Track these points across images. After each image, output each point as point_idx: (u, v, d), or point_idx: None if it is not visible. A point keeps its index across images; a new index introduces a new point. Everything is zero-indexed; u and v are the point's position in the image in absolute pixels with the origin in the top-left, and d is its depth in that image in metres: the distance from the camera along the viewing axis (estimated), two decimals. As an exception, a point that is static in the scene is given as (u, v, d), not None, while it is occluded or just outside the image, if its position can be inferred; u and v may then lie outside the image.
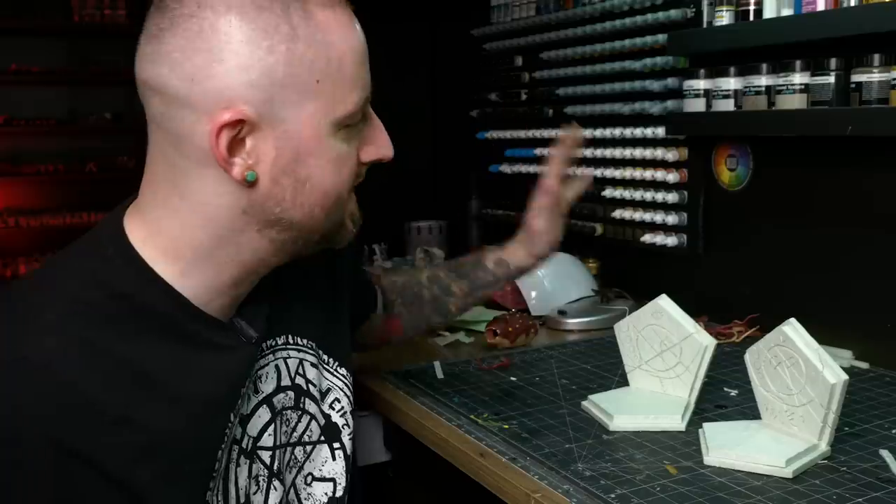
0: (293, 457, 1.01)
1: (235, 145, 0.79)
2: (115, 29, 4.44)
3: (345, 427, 1.06)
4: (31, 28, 4.36)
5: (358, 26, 0.84)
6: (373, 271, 1.46)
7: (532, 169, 2.28)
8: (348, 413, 1.07)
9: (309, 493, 1.02)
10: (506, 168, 2.37)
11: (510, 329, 1.62)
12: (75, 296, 0.80)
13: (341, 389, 1.07)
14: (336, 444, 1.05)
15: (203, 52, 0.76)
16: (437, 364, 1.46)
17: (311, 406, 1.02)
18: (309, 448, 1.02)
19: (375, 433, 1.46)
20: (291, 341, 1.02)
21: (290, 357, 1.01)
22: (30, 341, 0.76)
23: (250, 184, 0.80)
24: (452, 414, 1.27)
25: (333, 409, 1.06)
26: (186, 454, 0.82)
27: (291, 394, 1.00)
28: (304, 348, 1.03)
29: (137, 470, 0.77)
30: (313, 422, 1.03)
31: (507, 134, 2.37)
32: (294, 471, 1.01)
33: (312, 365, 1.03)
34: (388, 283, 1.34)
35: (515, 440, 1.16)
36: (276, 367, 0.98)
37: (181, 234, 0.83)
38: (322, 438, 1.04)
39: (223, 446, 0.87)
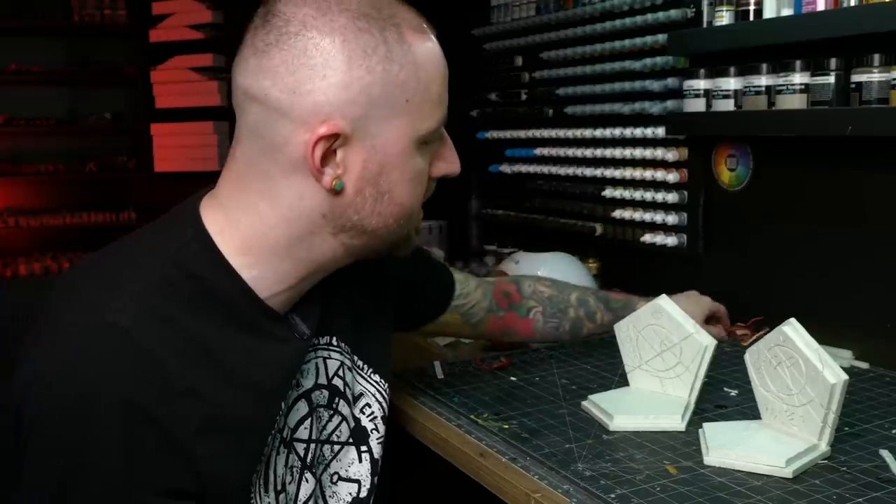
0: (321, 454, 1.04)
1: (327, 156, 0.85)
2: (115, 29, 4.44)
3: (374, 432, 1.09)
4: (31, 28, 4.36)
5: (441, 50, 0.92)
6: (497, 271, 1.56)
7: (532, 169, 2.28)
8: (379, 419, 1.11)
9: (334, 492, 1.05)
10: (506, 168, 2.37)
11: (510, 329, 1.61)
12: (156, 272, 0.85)
13: (373, 395, 1.10)
14: (363, 448, 1.08)
15: (307, 69, 0.82)
16: (437, 364, 1.46)
17: (344, 408, 1.06)
18: (337, 448, 1.06)
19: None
20: (335, 343, 1.06)
21: (330, 357, 1.05)
22: (116, 309, 0.80)
23: (336, 193, 0.86)
24: (452, 414, 1.27)
25: (364, 413, 1.09)
26: (242, 434, 0.86)
27: (326, 392, 1.03)
28: (343, 351, 1.07)
29: (197, 441, 0.81)
30: (344, 423, 1.06)
31: (507, 134, 2.37)
32: (321, 468, 1.04)
33: (349, 369, 1.07)
34: (532, 290, 1.43)
35: (515, 440, 1.16)
36: (316, 365, 1.03)
37: (259, 232, 0.88)
38: (350, 440, 1.07)
39: (273, 432, 0.91)
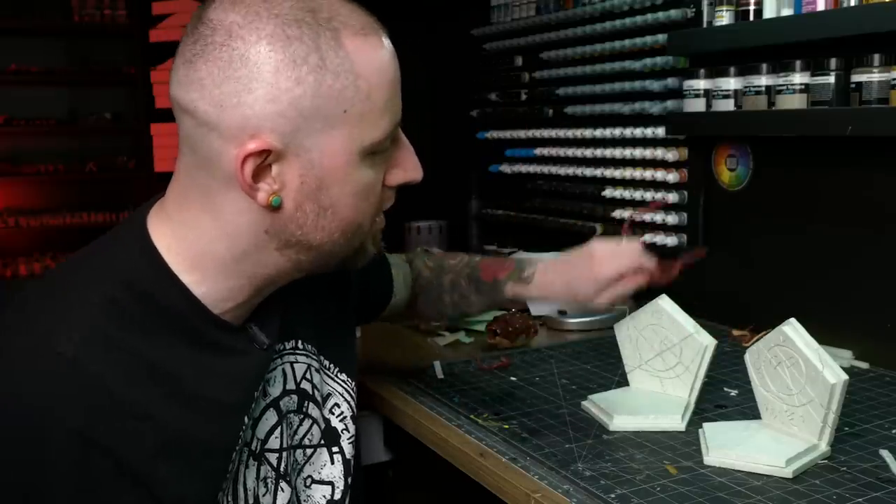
0: (294, 459, 1.01)
1: (261, 172, 0.80)
2: (115, 29, 4.44)
3: (344, 432, 1.07)
4: (31, 28, 4.36)
5: (390, 52, 0.86)
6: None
7: (532, 169, 2.27)
8: (348, 418, 1.08)
9: (308, 496, 1.03)
10: (506, 168, 2.37)
11: (510, 329, 1.62)
12: (103, 293, 0.81)
13: (341, 395, 1.08)
14: (335, 449, 1.06)
15: (232, 81, 0.77)
16: (437, 364, 1.46)
17: (314, 410, 1.04)
18: (310, 451, 1.03)
19: (375, 433, 1.46)
20: (300, 347, 1.03)
21: (297, 362, 1.02)
22: (59, 334, 0.77)
23: (274, 208, 0.82)
24: (452, 414, 1.27)
25: (333, 413, 1.07)
26: (202, 454, 0.83)
27: (295, 397, 1.01)
28: (310, 354, 1.04)
29: (156, 465, 0.78)
30: (315, 426, 1.04)
31: (507, 134, 2.37)
32: (295, 473, 1.02)
33: (316, 370, 1.05)
34: (416, 273, 1.38)
35: (515, 440, 1.16)
36: (283, 371, 1.00)
37: (203, 247, 0.84)
38: (322, 442, 1.05)
39: (237, 448, 0.88)
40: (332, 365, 1.08)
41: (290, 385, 1.00)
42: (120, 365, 0.78)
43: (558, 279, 1.25)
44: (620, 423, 1.18)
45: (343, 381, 1.09)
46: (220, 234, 0.84)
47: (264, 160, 0.79)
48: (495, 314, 1.72)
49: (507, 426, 1.21)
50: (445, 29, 2.65)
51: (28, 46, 4.38)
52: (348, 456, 1.07)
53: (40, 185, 4.56)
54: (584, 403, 1.27)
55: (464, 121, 2.54)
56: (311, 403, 1.03)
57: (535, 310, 1.82)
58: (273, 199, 0.80)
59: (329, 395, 1.07)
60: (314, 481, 1.03)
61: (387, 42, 0.85)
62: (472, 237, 2.58)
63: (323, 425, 1.05)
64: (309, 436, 1.03)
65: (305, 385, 1.02)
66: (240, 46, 0.77)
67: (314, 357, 1.05)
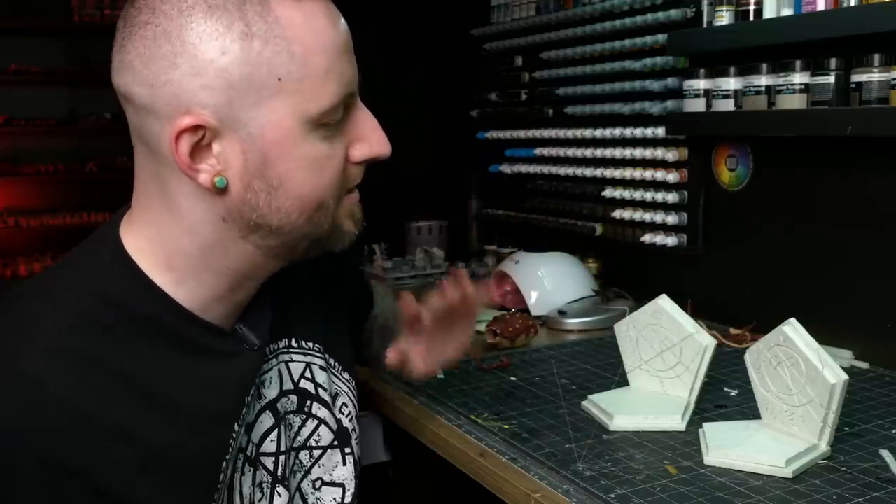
0: (297, 461, 0.99)
1: (201, 151, 0.76)
2: (115, 29, 4.44)
3: (353, 432, 1.05)
4: (31, 28, 4.36)
5: (332, 16, 0.79)
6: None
7: (532, 169, 2.27)
8: (354, 418, 1.06)
9: (318, 498, 1.00)
10: (506, 168, 2.37)
11: (510, 329, 1.62)
12: (72, 306, 0.78)
13: (347, 394, 1.06)
14: (347, 450, 1.03)
15: (158, 59, 0.75)
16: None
17: (319, 410, 1.00)
18: (317, 452, 1.00)
19: (375, 433, 1.46)
20: (295, 345, 1.00)
21: (293, 360, 0.99)
22: (24, 355, 0.74)
23: (221, 190, 0.78)
24: (452, 414, 1.27)
25: (343, 413, 1.04)
26: (188, 467, 0.80)
27: (294, 398, 0.98)
28: (310, 351, 1.01)
29: (135, 484, 0.75)
30: (322, 426, 1.00)
31: (507, 134, 2.37)
32: (299, 475, 0.99)
33: (322, 368, 1.01)
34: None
35: (515, 440, 1.16)
36: (279, 371, 0.97)
37: (172, 246, 0.81)
38: (335, 443, 1.01)
39: (228, 457, 0.85)
40: (337, 363, 1.06)
41: (288, 385, 0.97)
42: (91, 382, 0.75)
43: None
44: (620, 423, 1.18)
45: (346, 380, 1.07)
46: (183, 230, 0.80)
47: (202, 138, 0.75)
48: (495, 314, 1.72)
49: (507, 426, 1.21)
50: (445, 29, 2.65)
51: (28, 46, 4.38)
52: (357, 456, 1.05)
53: (40, 185, 4.55)
54: (584, 403, 1.27)
55: (464, 121, 2.54)
56: (315, 403, 1.00)
57: (535, 309, 1.82)
58: (217, 179, 0.76)
59: (337, 394, 1.04)
60: (324, 483, 1.00)
61: (327, 7, 0.80)
62: (472, 237, 2.58)
63: (335, 426, 1.02)
64: (316, 437, 1.00)
65: (305, 384, 0.99)
66: (162, 22, 0.74)
67: (319, 355, 1.02)
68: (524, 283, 1.86)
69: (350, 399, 1.06)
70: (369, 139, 0.84)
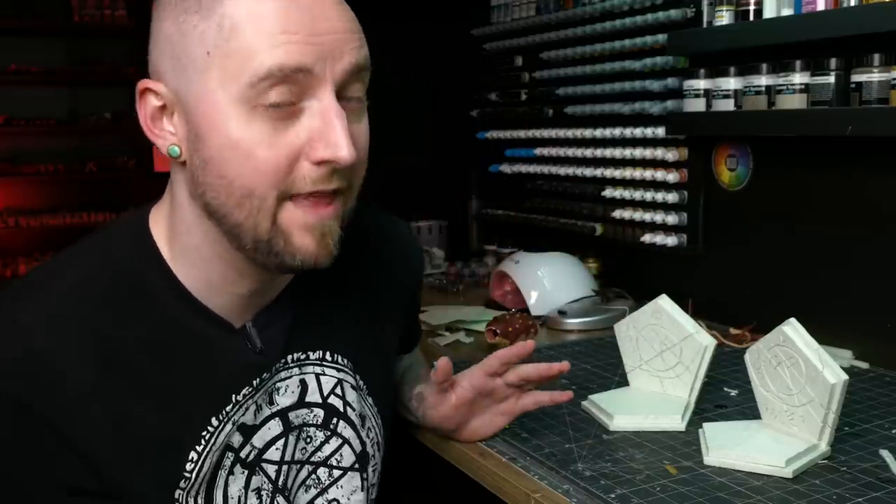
0: (314, 477, 0.97)
1: (164, 119, 0.81)
2: (115, 29, 4.44)
3: (372, 458, 1.02)
4: (31, 28, 4.36)
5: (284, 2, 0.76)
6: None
7: (532, 169, 2.28)
8: (377, 444, 1.03)
9: None
10: (506, 168, 2.37)
11: (510, 329, 1.61)
12: (83, 272, 0.83)
13: (373, 419, 1.02)
14: (364, 475, 1.00)
15: (150, 37, 0.83)
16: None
17: (345, 430, 0.98)
18: (337, 473, 0.98)
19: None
20: (330, 358, 0.97)
21: (324, 374, 0.96)
22: (25, 306, 0.80)
23: (177, 160, 0.81)
24: (452, 414, 1.26)
25: (368, 437, 1.01)
26: (155, 446, 0.83)
27: (321, 412, 0.96)
28: (343, 368, 0.98)
29: (99, 443, 0.79)
30: (346, 446, 0.98)
31: (507, 134, 2.37)
32: (314, 491, 0.97)
33: (353, 388, 0.99)
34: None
35: (515, 440, 1.16)
36: (303, 381, 0.95)
37: (179, 229, 0.85)
38: (356, 466, 0.99)
39: (199, 448, 0.85)
40: (365, 386, 1.02)
41: (313, 398, 0.95)
42: (75, 341, 0.79)
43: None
44: (620, 422, 1.18)
45: (371, 405, 1.02)
46: (175, 209, 0.85)
47: (163, 105, 0.81)
48: (495, 314, 1.72)
49: (507, 426, 1.21)
50: (445, 29, 2.65)
51: (28, 46, 4.38)
52: (370, 483, 1.01)
53: (40, 185, 4.55)
54: (584, 403, 1.27)
55: (464, 121, 2.54)
56: (341, 421, 0.97)
57: (535, 309, 1.82)
58: (170, 147, 0.81)
59: (365, 417, 1.01)
60: None
61: None
62: (472, 237, 2.58)
63: (359, 448, 0.99)
64: (338, 456, 0.97)
65: (335, 401, 0.97)
66: (160, 3, 0.82)
67: (350, 373, 0.99)
68: (524, 283, 1.86)
69: (374, 424, 1.02)
70: (326, 139, 0.77)
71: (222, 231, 0.82)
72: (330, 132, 0.77)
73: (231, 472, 0.89)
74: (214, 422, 0.86)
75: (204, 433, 0.85)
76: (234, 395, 0.88)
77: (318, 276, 0.88)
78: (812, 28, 1.43)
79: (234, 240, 0.81)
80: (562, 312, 1.77)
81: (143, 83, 0.80)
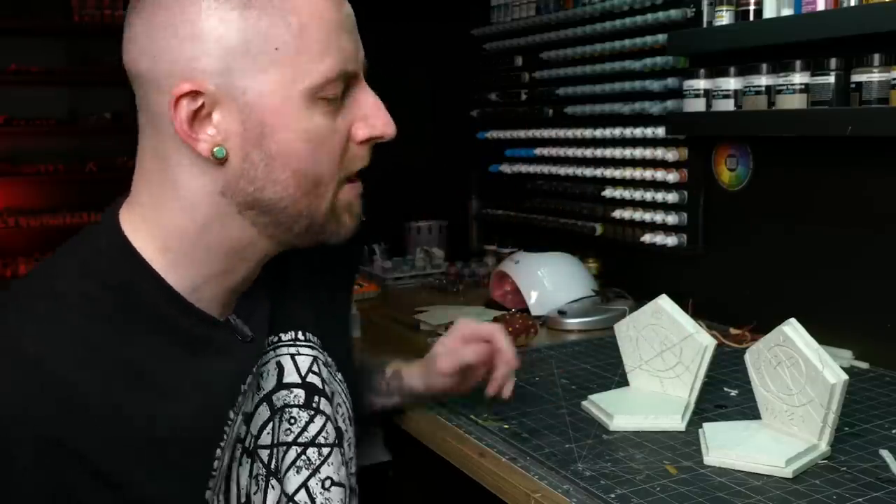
0: (304, 458, 0.97)
1: (202, 121, 0.78)
2: (115, 29, 4.32)
3: (346, 433, 1.03)
4: (31, 28, 4.36)
5: None
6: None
7: (532, 169, 2.27)
8: (348, 419, 1.04)
9: (327, 499, 0.97)
10: (506, 168, 2.37)
11: (510, 329, 1.61)
12: (72, 290, 0.79)
13: (342, 395, 1.04)
14: (342, 450, 1.02)
15: (161, 30, 0.77)
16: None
17: (326, 407, 0.99)
18: (326, 450, 0.99)
19: (375, 433, 1.46)
20: (303, 338, 0.99)
21: (299, 354, 0.98)
22: (25, 336, 0.75)
23: (220, 161, 0.79)
24: (452, 414, 1.27)
25: (338, 413, 1.03)
26: (182, 452, 0.81)
27: (302, 392, 0.97)
28: (316, 346, 1.01)
29: (131, 467, 0.77)
30: (329, 423, 0.99)
31: (507, 134, 2.37)
32: (306, 472, 0.97)
33: (324, 364, 1.01)
34: None
35: (515, 440, 1.16)
36: (278, 363, 0.96)
37: (168, 223, 0.82)
38: (336, 442, 1.00)
39: (223, 444, 0.85)
40: (333, 361, 1.04)
41: (293, 378, 0.97)
42: (90, 363, 0.76)
43: (417, 379, 1.23)
44: (620, 422, 1.18)
45: (340, 380, 1.05)
46: (181, 206, 0.82)
47: (201, 107, 0.77)
48: (495, 314, 1.72)
49: (507, 426, 1.21)
50: (445, 29, 2.65)
51: (28, 46, 4.37)
52: (347, 458, 1.03)
53: (40, 185, 4.55)
54: (584, 403, 1.27)
55: (464, 121, 2.54)
56: (321, 398, 0.99)
57: (535, 309, 1.82)
58: (216, 149, 0.78)
59: (334, 392, 1.03)
60: (334, 483, 0.98)
61: None
62: (472, 237, 2.58)
63: (335, 423, 1.01)
64: (324, 434, 0.98)
65: (313, 379, 0.98)
66: None
67: (320, 350, 1.01)
68: (524, 283, 1.86)
69: (344, 400, 1.05)
70: (372, 119, 0.84)
71: (264, 222, 0.83)
72: (377, 113, 0.84)
73: (240, 463, 0.90)
74: (231, 415, 0.87)
75: (225, 428, 0.86)
76: (241, 386, 0.89)
77: (280, 259, 0.91)
78: (812, 28, 1.43)
79: (279, 229, 0.84)
80: (562, 312, 1.77)
81: (183, 87, 0.76)
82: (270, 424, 0.94)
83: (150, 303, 0.81)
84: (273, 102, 0.78)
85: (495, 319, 1.64)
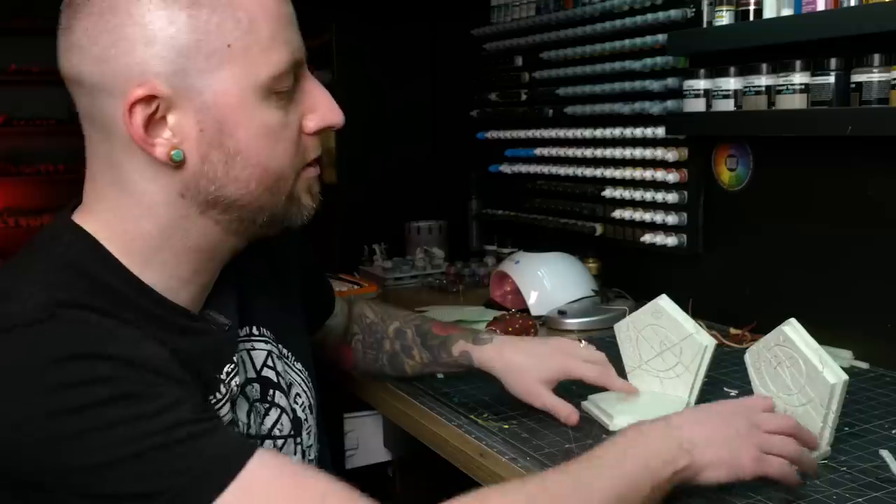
0: None
1: (156, 124, 0.77)
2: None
3: (305, 422, 1.04)
4: (31, 28, 4.35)
5: None
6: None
7: (532, 169, 2.28)
8: (308, 408, 1.06)
9: None
10: (506, 168, 2.37)
11: (510, 329, 1.61)
12: (48, 277, 0.77)
13: (300, 384, 1.05)
14: (299, 440, 1.03)
15: (106, 33, 0.76)
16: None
17: (281, 399, 1.01)
18: (280, 442, 1.00)
19: (375, 433, 1.46)
20: (256, 332, 1.00)
21: (254, 349, 0.99)
22: (31, 306, 0.73)
23: (178, 164, 0.78)
24: (452, 414, 1.27)
25: (297, 403, 1.04)
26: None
27: (258, 386, 0.98)
28: (269, 340, 1.02)
29: (183, 373, 0.77)
30: (284, 415, 1.01)
31: (507, 134, 2.37)
32: None
33: (279, 357, 1.02)
34: (358, 313, 1.33)
35: (515, 440, 1.16)
36: (242, 358, 0.96)
37: (130, 230, 0.82)
38: (292, 433, 1.02)
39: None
40: (289, 353, 1.05)
41: (251, 373, 0.97)
42: (91, 324, 0.74)
43: (499, 363, 1.22)
44: (621, 423, 1.18)
45: (299, 370, 1.06)
46: (140, 212, 0.81)
47: (156, 110, 0.76)
48: (495, 314, 1.72)
49: (507, 426, 1.21)
50: (445, 29, 2.65)
51: (28, 46, 4.37)
52: (306, 446, 1.04)
53: (40, 185, 4.56)
54: (584, 403, 1.27)
55: (464, 121, 2.54)
56: (277, 392, 1.00)
57: (535, 310, 1.82)
58: (174, 152, 0.78)
59: (291, 383, 1.04)
60: None
61: None
62: (472, 237, 2.58)
63: (291, 415, 1.02)
64: (279, 426, 1.00)
65: (268, 372, 0.99)
66: None
67: (273, 343, 1.02)
68: (524, 283, 1.86)
69: (304, 389, 1.06)
70: (321, 108, 0.85)
71: (228, 220, 0.83)
72: (327, 103, 0.86)
73: None
74: (212, 399, 0.87)
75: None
76: (218, 373, 0.89)
77: (243, 257, 0.92)
78: (812, 28, 1.43)
79: (242, 224, 0.84)
80: (562, 312, 1.77)
81: (137, 92, 0.75)
82: (251, 416, 0.95)
83: (126, 295, 0.80)
84: (229, 100, 0.78)
85: (495, 319, 1.65)
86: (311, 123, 0.85)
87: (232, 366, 0.91)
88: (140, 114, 0.76)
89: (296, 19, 0.84)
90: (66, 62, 0.79)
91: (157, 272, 0.83)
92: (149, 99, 0.76)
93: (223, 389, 0.89)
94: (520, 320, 1.64)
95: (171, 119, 0.77)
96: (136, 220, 0.81)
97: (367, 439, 1.45)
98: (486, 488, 0.87)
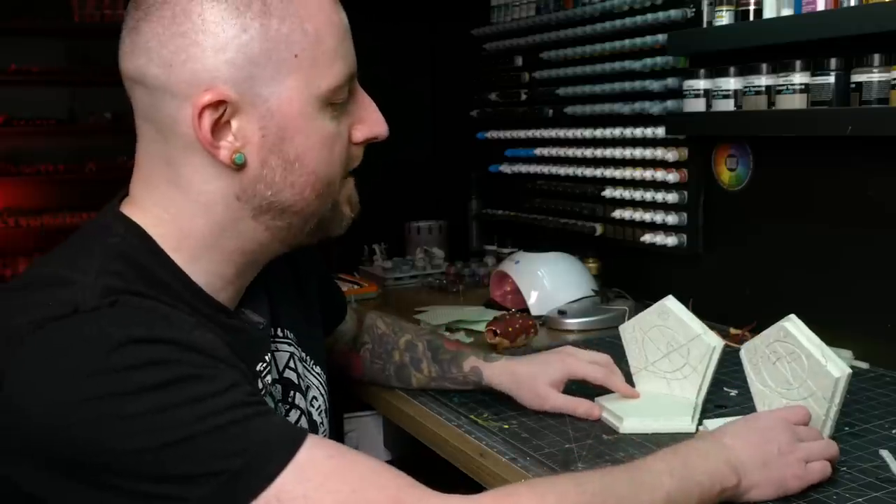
0: None
1: (221, 128, 0.79)
2: (115, 29, 4.33)
3: (321, 426, 1.06)
4: (31, 28, 4.36)
5: (334, 1, 0.85)
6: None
7: (532, 169, 2.28)
8: (324, 412, 1.07)
9: None
10: (506, 168, 2.37)
11: (510, 329, 1.61)
12: (105, 265, 0.78)
13: (318, 388, 1.07)
14: None
15: (178, 37, 0.77)
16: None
17: (301, 401, 1.02)
18: None
19: (375, 433, 1.46)
20: (281, 334, 1.02)
21: (278, 350, 1.01)
22: (83, 297, 0.73)
23: (239, 167, 0.80)
24: (452, 414, 1.27)
25: (313, 406, 1.06)
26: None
27: (279, 387, 1.00)
28: (291, 342, 1.03)
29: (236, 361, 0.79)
30: (303, 417, 1.02)
31: (507, 134, 2.37)
32: None
33: (299, 360, 1.04)
34: (370, 323, 1.34)
35: (515, 440, 1.16)
36: (272, 357, 0.98)
37: (182, 226, 0.83)
38: None
39: None
40: (308, 356, 1.07)
41: (275, 374, 0.99)
42: (146, 309, 0.75)
43: (508, 377, 1.25)
44: (631, 425, 1.18)
45: (318, 373, 1.08)
46: (194, 209, 0.83)
47: (222, 114, 0.78)
48: (495, 314, 1.72)
49: (507, 426, 1.21)
50: (445, 29, 2.65)
51: (28, 46, 4.38)
52: None
53: (40, 185, 4.55)
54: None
55: (464, 121, 2.54)
56: (297, 393, 1.02)
57: (535, 309, 1.82)
58: (236, 156, 0.80)
59: (309, 386, 1.06)
60: None
61: None
62: (472, 237, 2.58)
63: (308, 417, 1.04)
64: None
65: (289, 374, 1.01)
66: (181, 2, 0.77)
67: (295, 346, 1.04)
68: (524, 283, 1.86)
69: (320, 393, 1.07)
70: (367, 120, 0.88)
71: (277, 226, 0.85)
72: (372, 115, 0.89)
73: None
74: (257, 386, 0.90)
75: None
76: (255, 367, 0.91)
77: (270, 262, 0.94)
78: (812, 28, 1.43)
79: (291, 231, 0.86)
80: (562, 312, 1.77)
81: (204, 100, 0.77)
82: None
83: (173, 288, 0.81)
84: (291, 108, 0.80)
85: (495, 319, 1.64)
86: (359, 134, 0.88)
87: (265, 364, 0.93)
88: (208, 118, 0.78)
89: (350, 32, 0.86)
90: (130, 63, 0.81)
91: (203, 270, 0.85)
92: (217, 104, 0.78)
93: (259, 384, 0.91)
94: (520, 320, 1.64)
95: (235, 124, 0.80)
96: (190, 219, 0.83)
97: (367, 439, 1.45)
98: (539, 484, 0.88)
